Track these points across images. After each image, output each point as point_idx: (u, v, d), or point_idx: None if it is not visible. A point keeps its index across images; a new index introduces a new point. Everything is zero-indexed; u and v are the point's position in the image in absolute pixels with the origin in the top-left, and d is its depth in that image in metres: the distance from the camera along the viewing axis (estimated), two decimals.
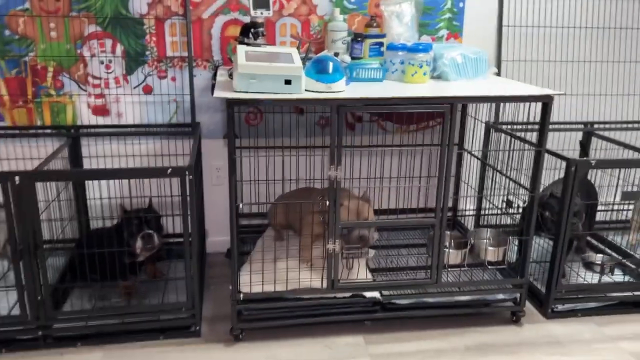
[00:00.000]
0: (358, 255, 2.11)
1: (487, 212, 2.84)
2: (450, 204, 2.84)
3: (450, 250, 2.24)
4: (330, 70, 2.01)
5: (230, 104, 1.85)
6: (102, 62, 2.51)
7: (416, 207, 2.42)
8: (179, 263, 2.42)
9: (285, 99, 1.87)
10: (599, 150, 2.95)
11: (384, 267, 2.38)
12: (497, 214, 2.75)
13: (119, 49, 2.50)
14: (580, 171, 2.14)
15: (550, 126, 2.89)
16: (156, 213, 2.24)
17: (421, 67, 2.25)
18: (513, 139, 2.52)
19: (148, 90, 2.58)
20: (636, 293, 2.37)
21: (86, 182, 2.57)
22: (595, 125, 2.95)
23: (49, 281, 1.99)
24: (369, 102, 1.92)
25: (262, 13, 2.33)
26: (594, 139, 2.92)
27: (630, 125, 2.98)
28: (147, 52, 2.53)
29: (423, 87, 2.18)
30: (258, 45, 2.28)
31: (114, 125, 2.59)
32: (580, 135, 2.94)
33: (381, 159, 2.79)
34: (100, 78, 2.53)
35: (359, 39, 2.44)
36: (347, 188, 2.24)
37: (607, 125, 2.96)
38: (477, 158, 2.74)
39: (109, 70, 2.53)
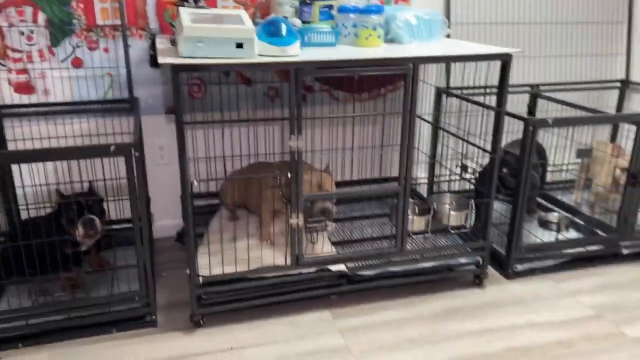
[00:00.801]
0: (322, 229, 2.01)
1: (440, 178, 2.83)
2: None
3: (414, 217, 2.19)
4: (284, 32, 1.88)
5: (177, 70, 1.68)
6: (22, 33, 2.24)
7: (373, 177, 2.36)
8: (127, 250, 2.25)
9: (238, 63, 1.73)
10: (544, 112, 3.00)
11: (347, 239, 2.30)
12: (449, 180, 2.74)
13: (41, 17, 2.24)
14: (538, 130, 2.14)
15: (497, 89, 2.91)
16: (97, 196, 2.04)
17: (375, 29, 2.16)
18: (466, 103, 2.50)
19: (78, 64, 2.34)
20: (589, 249, 2.44)
21: (13, 166, 2.31)
22: (542, 87, 2.99)
23: None
24: (329, 65, 1.81)
25: None
26: (540, 101, 2.97)
27: (575, 86, 3.04)
28: (74, 21, 2.28)
29: (379, 50, 2.09)
30: (201, 8, 2.11)
31: (41, 104, 2.33)
32: (527, 97, 2.98)
33: (336, 130, 2.70)
34: (21, 51, 2.26)
35: (308, 1, 2.31)
36: (306, 162, 2.14)
37: (553, 87, 3.00)
38: (431, 123, 2.71)
39: (31, 42, 2.26)
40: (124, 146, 1.76)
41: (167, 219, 2.64)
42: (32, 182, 2.24)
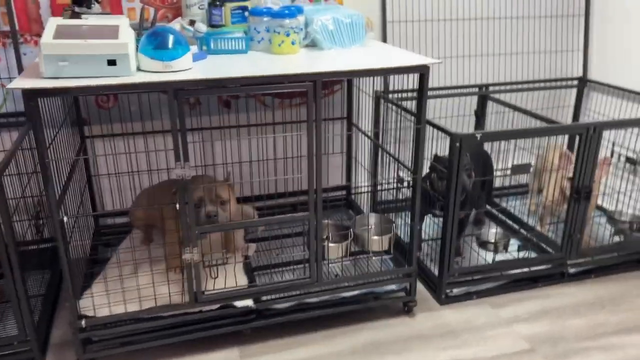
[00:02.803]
0: (223, 262, 1.81)
1: (382, 189, 2.63)
2: (343, 182, 2.67)
3: (330, 245, 1.99)
4: (170, 44, 1.66)
5: (30, 97, 1.45)
6: None
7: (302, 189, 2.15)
8: (34, 275, 2.07)
9: (107, 85, 1.50)
10: (495, 114, 2.80)
11: (261, 265, 2.11)
12: (387, 189, 2.55)
13: None
14: (466, 146, 1.94)
15: (445, 91, 2.70)
16: None
17: (288, 35, 1.94)
18: (400, 110, 2.29)
19: None
20: (533, 268, 2.25)
21: None
22: (494, 88, 2.77)
23: None
24: (214, 83, 1.58)
25: None
26: (491, 103, 2.76)
27: (529, 85, 2.82)
28: None
29: (291, 59, 1.87)
30: (91, 15, 1.88)
31: None
32: (475, 99, 2.77)
33: (264, 139, 2.48)
34: None
35: (218, 2, 2.08)
36: (206, 175, 1.95)
37: (505, 87, 2.79)
38: (363, 133, 2.49)
39: None
40: None
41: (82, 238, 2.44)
42: None
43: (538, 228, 2.46)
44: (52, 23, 1.60)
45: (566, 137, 2.89)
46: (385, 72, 1.78)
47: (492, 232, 2.35)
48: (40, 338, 1.83)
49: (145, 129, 2.33)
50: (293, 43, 1.95)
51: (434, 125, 2.05)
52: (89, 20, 1.69)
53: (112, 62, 1.55)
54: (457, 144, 1.92)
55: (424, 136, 1.84)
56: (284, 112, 2.52)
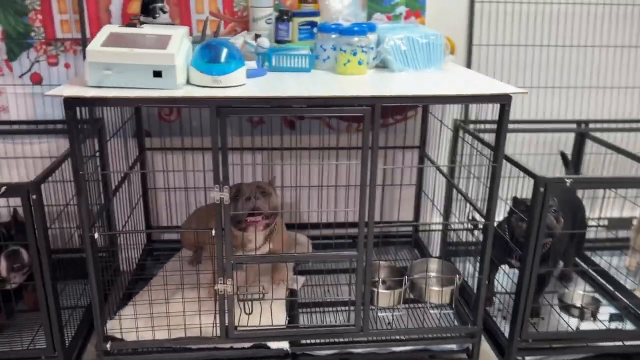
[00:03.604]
0: (259, 297, 1.65)
1: (453, 228, 2.35)
2: (412, 217, 2.44)
3: (381, 292, 1.76)
4: (223, 58, 1.55)
5: (70, 105, 1.39)
6: None
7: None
8: (78, 284, 2.02)
9: (147, 97, 1.40)
10: (594, 155, 2.43)
11: (309, 301, 1.92)
12: (458, 229, 2.27)
13: None
14: (552, 192, 1.64)
15: (536, 125, 2.40)
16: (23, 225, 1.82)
17: (355, 54, 1.77)
18: (479, 143, 2.03)
19: (37, 80, 2.14)
20: (628, 343, 1.88)
21: None
22: (592, 125, 2.42)
23: None
24: (260, 102, 1.44)
25: None
26: (589, 142, 2.41)
27: (632, 125, 2.44)
28: (33, 34, 2.08)
29: (354, 80, 1.71)
30: (155, 24, 1.83)
31: None
32: (571, 137, 2.43)
33: (325, 163, 2.32)
34: None
35: (285, 17, 1.95)
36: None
37: (605, 125, 2.42)
38: (436, 167, 2.24)
39: None
40: (18, 187, 1.50)
41: (132, 249, 2.39)
42: None
43: (637, 293, 2.07)
44: (106, 30, 1.55)
45: None
46: (456, 101, 1.56)
47: (578, 293, 2.00)
48: (69, 354, 1.76)
49: (205, 144, 2.24)
50: (360, 63, 1.78)
51: (515, 164, 1.77)
52: (145, 29, 1.63)
53: (157, 74, 1.46)
54: (542, 189, 1.64)
55: (499, 176, 1.58)
56: (350, 136, 2.33)
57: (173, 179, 2.27)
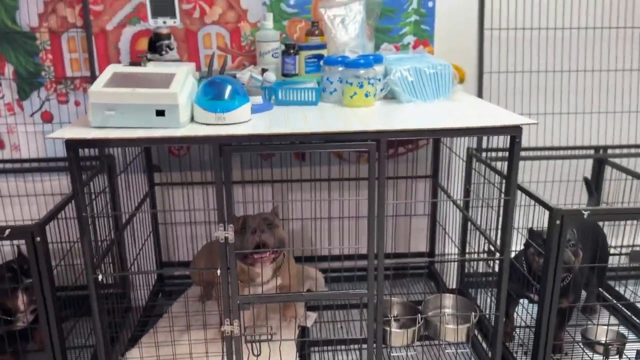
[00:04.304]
0: (267, 338, 1.60)
1: (469, 259, 2.28)
2: (426, 248, 2.38)
3: (393, 330, 1.70)
4: (227, 95, 1.53)
5: (71, 148, 1.38)
6: None
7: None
8: (86, 322, 2.00)
9: (149, 137, 1.39)
10: (614, 181, 2.36)
11: (321, 339, 1.86)
12: (474, 260, 2.20)
13: (8, 69, 2.09)
14: (569, 224, 1.58)
15: (552, 152, 2.34)
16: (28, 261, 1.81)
17: (361, 86, 1.74)
18: (493, 172, 1.97)
19: (48, 118, 2.16)
20: None
21: None
22: (610, 151, 2.35)
23: None
24: (262, 139, 1.42)
25: (164, 22, 1.89)
26: (608, 169, 2.34)
27: None
28: (43, 73, 2.11)
29: (361, 113, 1.68)
30: (162, 61, 1.84)
31: (10, 160, 2.18)
32: (589, 163, 2.36)
33: (335, 194, 2.28)
34: None
35: (292, 51, 1.95)
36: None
37: (624, 150, 2.35)
38: (449, 197, 2.19)
39: None
40: (22, 229, 1.49)
41: (144, 287, 2.37)
42: None
43: None
44: (110, 70, 1.55)
45: None
46: (464, 133, 1.52)
47: (602, 328, 1.91)
48: None
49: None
50: (367, 95, 1.75)
51: (530, 195, 1.72)
52: (149, 67, 1.63)
53: (160, 113, 1.45)
54: (558, 222, 1.57)
55: (512, 209, 1.52)
56: (359, 167, 2.30)
57: (183, 213, 2.25)
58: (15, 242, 1.71)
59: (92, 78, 2.10)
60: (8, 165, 2.18)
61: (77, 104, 2.15)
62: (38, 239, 1.49)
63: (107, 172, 2.02)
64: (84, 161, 2.17)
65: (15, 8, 2.03)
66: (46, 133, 2.16)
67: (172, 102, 1.44)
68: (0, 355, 1.84)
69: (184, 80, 1.53)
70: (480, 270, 2.17)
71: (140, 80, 1.50)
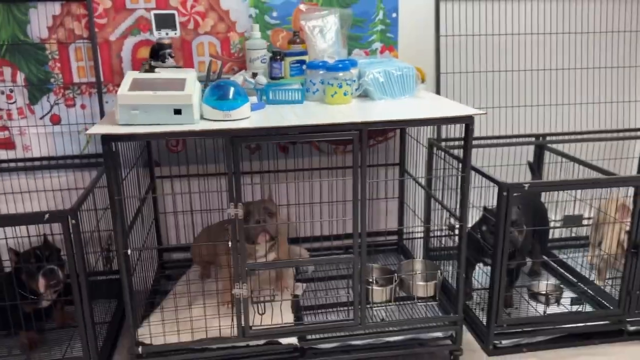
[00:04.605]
0: (270, 299, 1.90)
1: (433, 235, 2.64)
2: (396, 226, 2.72)
3: (374, 288, 2.04)
4: (231, 95, 1.83)
5: (106, 140, 1.65)
6: (2, 93, 2.32)
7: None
8: (102, 303, 2.24)
9: (171, 131, 1.68)
10: (553, 164, 2.76)
11: (311, 304, 2.18)
12: (439, 236, 2.55)
13: (20, 77, 2.31)
14: (514, 195, 1.95)
15: (501, 140, 2.72)
16: (53, 248, 2.05)
17: (340, 87, 2.06)
18: (451, 157, 2.33)
19: (56, 120, 2.39)
20: (589, 323, 2.18)
21: None
22: (548, 138, 2.76)
23: None
24: (265, 131, 1.72)
25: (167, 33, 2.15)
26: (547, 153, 2.74)
27: (584, 137, 2.78)
28: (52, 80, 2.34)
29: (341, 109, 1.99)
30: (165, 68, 2.10)
31: (21, 159, 2.40)
32: (531, 148, 2.76)
33: (317, 182, 2.59)
34: (1, 109, 2.34)
35: (278, 57, 2.25)
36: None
37: (560, 137, 2.76)
38: (415, 180, 2.54)
39: (11, 101, 2.34)
40: (59, 213, 1.74)
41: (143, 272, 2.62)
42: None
43: (597, 282, 2.38)
44: (129, 76, 1.82)
45: (631, 189, 2.79)
46: (428, 123, 1.85)
47: (543, 283, 2.29)
48: None
49: (208, 171, 2.51)
50: (345, 94, 2.07)
51: (482, 174, 2.08)
52: (162, 73, 1.90)
53: (177, 112, 1.73)
54: (505, 193, 1.94)
55: (468, 184, 1.88)
56: (337, 157, 2.63)
57: (181, 203, 2.51)
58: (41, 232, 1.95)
59: (98, 83, 2.35)
60: (20, 164, 2.39)
61: (83, 107, 2.39)
62: (73, 221, 1.74)
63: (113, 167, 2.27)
64: (90, 158, 2.43)
65: (26, 22, 2.26)
66: (55, 135, 2.39)
67: (187, 102, 1.73)
68: (27, 331, 2.06)
69: (193, 84, 1.82)
70: (442, 243, 2.53)
71: (157, 85, 1.77)
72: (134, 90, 1.73)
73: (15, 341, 2.06)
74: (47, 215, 1.73)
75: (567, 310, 2.18)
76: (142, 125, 1.70)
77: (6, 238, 1.94)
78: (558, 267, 2.57)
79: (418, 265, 2.25)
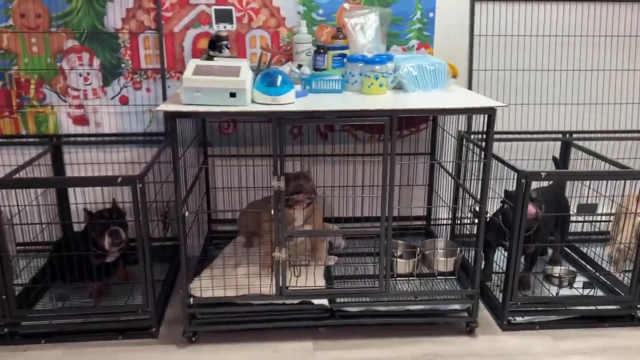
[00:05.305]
0: (305, 264, 2.15)
1: (460, 221, 2.84)
2: (424, 212, 2.93)
3: (399, 260, 2.26)
4: (278, 83, 2.08)
5: (171, 117, 1.93)
6: (80, 75, 2.65)
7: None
8: (158, 265, 2.55)
9: (227, 111, 1.95)
10: (580, 160, 2.90)
11: (345, 274, 2.42)
12: (466, 224, 2.74)
13: (96, 62, 2.64)
14: (530, 182, 2.13)
15: (527, 135, 2.88)
16: (121, 212, 2.36)
17: (377, 78, 2.28)
18: (478, 149, 2.52)
19: (124, 101, 2.71)
20: (600, 307, 2.33)
21: (69, 188, 2.72)
22: (575, 135, 2.90)
23: (21, 281, 2.13)
24: (307, 115, 1.97)
25: (225, 27, 2.42)
26: (573, 150, 2.88)
27: (611, 135, 2.91)
28: (123, 65, 2.66)
29: (377, 99, 2.21)
30: (222, 57, 2.37)
31: (93, 134, 2.73)
32: (558, 145, 2.91)
33: (351, 167, 2.83)
34: (79, 90, 2.67)
35: (322, 50, 2.49)
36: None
37: (587, 135, 2.90)
38: (443, 168, 2.74)
39: (87, 82, 2.67)
40: (130, 178, 2.04)
41: (195, 239, 2.92)
42: (83, 200, 2.64)
43: (614, 273, 2.52)
44: (192, 63, 2.10)
45: None
46: (452, 112, 2.05)
47: (557, 267, 2.46)
48: (157, 312, 2.28)
49: (255, 152, 2.78)
50: (381, 85, 2.30)
51: (502, 161, 2.27)
52: (220, 61, 2.18)
53: (233, 95, 1.99)
54: (523, 181, 2.12)
55: (489, 169, 2.07)
56: (372, 145, 2.85)
57: (229, 180, 2.79)
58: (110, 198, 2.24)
59: (162, 69, 2.65)
60: (92, 139, 2.72)
61: (148, 90, 2.70)
62: (140, 185, 2.04)
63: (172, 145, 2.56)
64: (152, 136, 2.73)
65: (103, 14, 2.58)
66: (123, 114, 2.71)
67: (241, 87, 1.99)
68: (92, 283, 2.37)
69: (246, 71, 2.08)
70: (467, 230, 2.72)
71: (216, 71, 2.04)
72: (197, 74, 2.01)
73: (84, 290, 2.38)
74: (119, 179, 2.03)
75: (579, 294, 2.35)
76: (202, 105, 1.97)
77: (80, 203, 2.26)
78: (577, 258, 2.72)
79: (440, 243, 2.45)
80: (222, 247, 2.73)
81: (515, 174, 2.17)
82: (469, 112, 2.01)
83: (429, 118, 2.80)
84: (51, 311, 2.24)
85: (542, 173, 2.12)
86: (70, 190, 2.73)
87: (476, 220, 2.34)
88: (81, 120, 2.72)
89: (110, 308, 2.27)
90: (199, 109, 1.93)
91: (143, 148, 2.77)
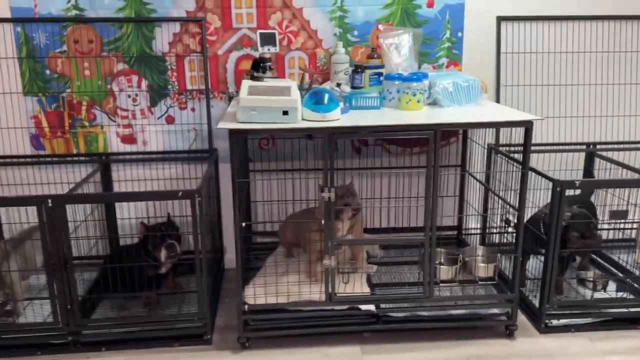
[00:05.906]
0: (353, 271, 2.27)
1: (490, 230, 2.95)
2: (455, 222, 3.05)
3: (442, 267, 2.37)
4: (325, 101, 2.22)
5: (232, 133, 2.07)
6: (129, 96, 2.80)
7: (415, 225, 2.59)
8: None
9: (282, 128, 2.08)
10: (603, 170, 3.02)
11: (384, 282, 2.53)
12: (498, 233, 2.86)
13: (144, 83, 2.79)
14: (565, 191, 2.25)
15: (554, 147, 3.01)
16: (175, 226, 2.49)
17: (414, 95, 2.42)
18: (509, 160, 2.65)
19: (170, 120, 2.85)
20: (632, 309, 2.44)
21: (116, 203, 2.85)
22: (599, 146, 3.02)
23: (79, 292, 2.25)
24: (357, 129, 2.10)
25: (269, 49, 2.57)
26: (597, 160, 3.00)
27: (632, 146, 3.04)
28: (169, 86, 2.81)
29: (415, 114, 2.35)
30: (266, 78, 2.52)
31: (140, 152, 2.87)
32: (583, 156, 3.03)
33: (385, 180, 2.96)
34: (127, 110, 2.82)
35: (359, 70, 2.64)
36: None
37: (610, 146, 3.02)
38: (475, 179, 2.86)
39: (136, 103, 2.81)
40: (189, 192, 2.17)
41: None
42: (129, 214, 2.76)
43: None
44: (246, 84, 2.24)
45: None
46: (495, 125, 2.19)
47: (591, 272, 2.57)
48: (212, 317, 2.39)
49: (294, 167, 2.91)
50: (418, 101, 2.43)
51: (538, 172, 2.39)
52: (269, 82, 2.32)
53: (285, 113, 2.13)
54: (558, 189, 2.24)
55: (527, 179, 2.20)
56: (405, 158, 2.98)
57: (269, 193, 2.92)
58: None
59: (207, 90, 2.80)
60: (140, 156, 2.86)
61: (193, 110, 2.85)
62: (199, 199, 2.17)
63: (215, 161, 2.71)
64: (196, 153, 2.87)
65: (151, 38, 2.74)
66: (170, 132, 2.85)
67: (294, 105, 2.13)
68: (147, 292, 2.49)
69: (296, 91, 2.22)
70: (497, 239, 2.83)
71: (269, 91, 2.19)
72: (252, 94, 2.15)
73: (137, 300, 2.50)
74: (180, 193, 2.16)
75: (612, 297, 2.45)
76: (258, 123, 2.11)
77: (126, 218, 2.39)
78: (603, 263, 2.82)
79: (480, 251, 2.57)
80: (262, 257, 2.84)
81: (550, 184, 2.29)
82: (510, 125, 2.15)
83: (459, 131, 2.93)
84: (110, 320, 2.36)
85: (577, 182, 2.25)
86: (117, 205, 2.86)
87: (509, 229, 2.47)
88: (129, 139, 2.86)
89: (166, 316, 2.38)
90: (258, 126, 2.07)
91: (187, 165, 2.91)
